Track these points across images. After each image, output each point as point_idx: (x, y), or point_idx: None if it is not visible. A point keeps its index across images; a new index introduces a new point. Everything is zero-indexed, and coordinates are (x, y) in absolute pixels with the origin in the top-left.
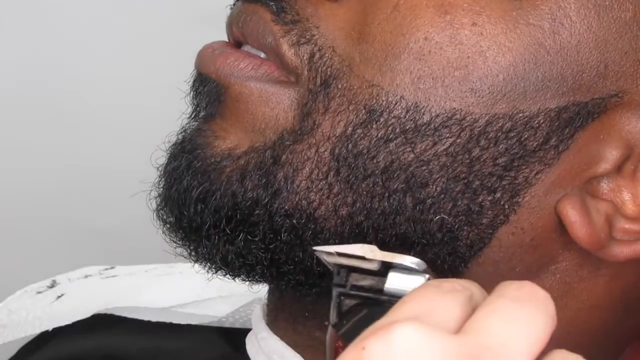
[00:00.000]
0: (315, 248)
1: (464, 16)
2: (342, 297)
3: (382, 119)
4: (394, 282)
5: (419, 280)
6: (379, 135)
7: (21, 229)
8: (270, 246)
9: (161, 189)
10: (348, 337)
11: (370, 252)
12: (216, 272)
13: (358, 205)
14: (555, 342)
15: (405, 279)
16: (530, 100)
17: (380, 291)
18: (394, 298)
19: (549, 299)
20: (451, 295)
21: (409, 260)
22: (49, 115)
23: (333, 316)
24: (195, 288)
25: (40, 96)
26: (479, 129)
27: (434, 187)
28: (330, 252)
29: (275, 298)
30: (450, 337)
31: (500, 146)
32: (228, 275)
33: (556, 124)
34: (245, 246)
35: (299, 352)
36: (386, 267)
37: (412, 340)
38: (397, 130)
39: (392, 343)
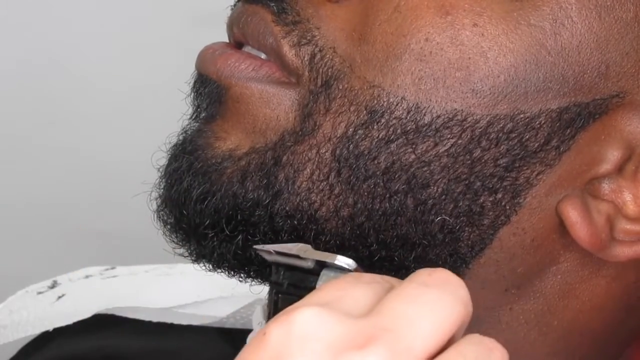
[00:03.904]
0: (256, 247)
1: (465, 17)
2: (279, 295)
3: (383, 120)
4: (325, 280)
5: None
6: (380, 136)
7: (22, 229)
8: None
9: (162, 190)
10: None
11: (304, 251)
12: (215, 271)
13: (359, 206)
14: (556, 342)
15: (336, 277)
16: (531, 101)
17: (313, 289)
18: None
19: (461, 285)
20: (367, 285)
21: (341, 260)
22: (50, 116)
23: (270, 314)
24: (196, 288)
25: (41, 97)
26: (480, 129)
27: (435, 188)
28: (269, 251)
29: None
30: (349, 320)
31: (502, 147)
32: (226, 274)
33: (557, 124)
34: (244, 246)
35: None
36: (321, 266)
37: (310, 323)
38: (398, 131)
39: (291, 327)
